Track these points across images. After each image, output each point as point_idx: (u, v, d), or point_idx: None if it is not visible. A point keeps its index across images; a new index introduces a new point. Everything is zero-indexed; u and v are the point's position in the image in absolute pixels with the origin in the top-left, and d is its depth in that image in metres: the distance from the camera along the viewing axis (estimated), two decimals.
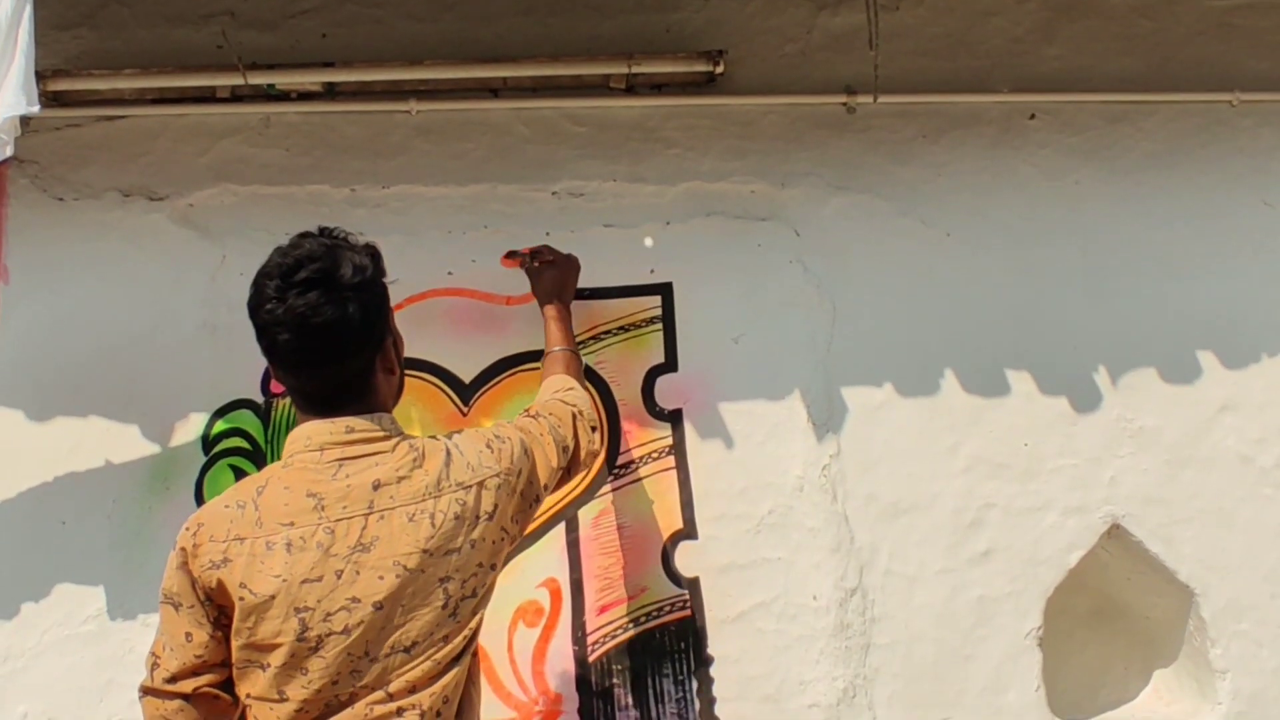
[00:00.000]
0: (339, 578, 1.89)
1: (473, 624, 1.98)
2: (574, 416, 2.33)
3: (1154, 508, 2.91)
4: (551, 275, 2.68)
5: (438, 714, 1.92)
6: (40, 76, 2.71)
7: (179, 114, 2.89)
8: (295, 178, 2.90)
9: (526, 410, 2.31)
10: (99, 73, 2.80)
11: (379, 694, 1.89)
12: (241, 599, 1.89)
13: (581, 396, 2.42)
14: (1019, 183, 3.01)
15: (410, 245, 2.86)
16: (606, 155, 2.93)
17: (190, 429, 2.79)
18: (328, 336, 1.94)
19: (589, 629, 2.77)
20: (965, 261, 2.96)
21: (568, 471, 2.30)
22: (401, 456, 1.98)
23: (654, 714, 2.76)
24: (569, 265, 2.73)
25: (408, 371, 2.77)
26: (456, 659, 1.95)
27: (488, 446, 2.08)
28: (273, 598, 1.88)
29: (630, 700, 2.76)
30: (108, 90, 2.83)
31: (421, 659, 1.91)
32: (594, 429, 2.38)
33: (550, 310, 2.65)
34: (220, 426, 2.78)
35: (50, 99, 2.78)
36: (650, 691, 2.76)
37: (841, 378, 2.89)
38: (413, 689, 1.90)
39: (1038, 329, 2.95)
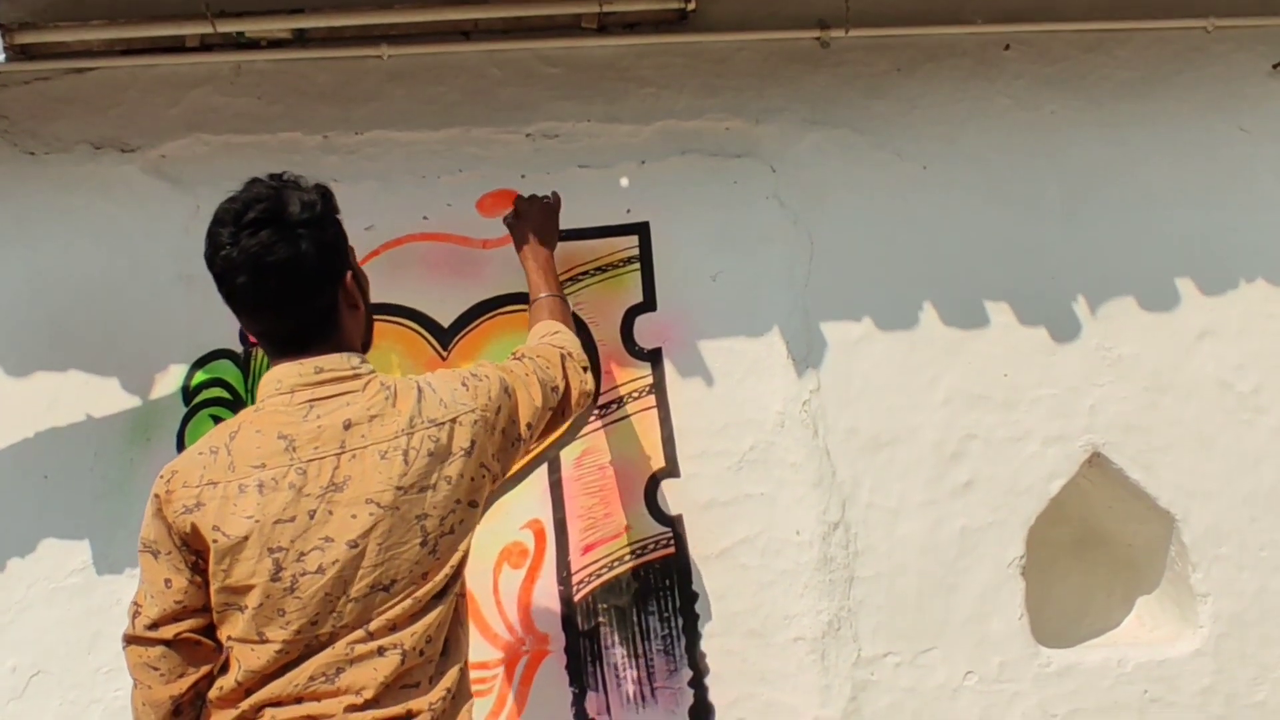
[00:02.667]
0: (312, 518, 1.90)
1: (454, 560, 1.98)
2: (563, 358, 2.32)
3: (1134, 435, 2.92)
4: (531, 224, 2.66)
5: (420, 653, 1.92)
6: (6, 30, 2.70)
7: (148, 64, 2.86)
8: (267, 126, 2.88)
9: (514, 353, 2.30)
10: (66, 24, 2.77)
11: (359, 632, 1.89)
12: (215, 541, 1.89)
13: (570, 339, 2.41)
14: (994, 114, 3.00)
15: (385, 191, 2.86)
16: (580, 96, 2.91)
17: (170, 380, 2.78)
18: (283, 274, 1.94)
19: (574, 568, 2.78)
20: (942, 194, 2.96)
21: (559, 413, 2.29)
22: (373, 395, 1.98)
23: (640, 651, 2.77)
24: (548, 211, 2.71)
25: (387, 318, 2.80)
26: (438, 596, 1.95)
27: (463, 385, 2.08)
28: (245, 539, 1.88)
29: (616, 638, 2.78)
30: (75, 42, 2.80)
31: (402, 596, 1.91)
32: (585, 369, 2.36)
33: (530, 258, 2.62)
34: (200, 377, 2.78)
35: (17, 52, 2.76)
36: (636, 629, 2.78)
37: (820, 313, 2.89)
38: (393, 627, 1.90)
39: (1015, 260, 2.95)
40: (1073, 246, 2.97)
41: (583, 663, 2.77)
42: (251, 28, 2.80)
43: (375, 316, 2.70)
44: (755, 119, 2.95)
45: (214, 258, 1.96)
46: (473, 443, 2.01)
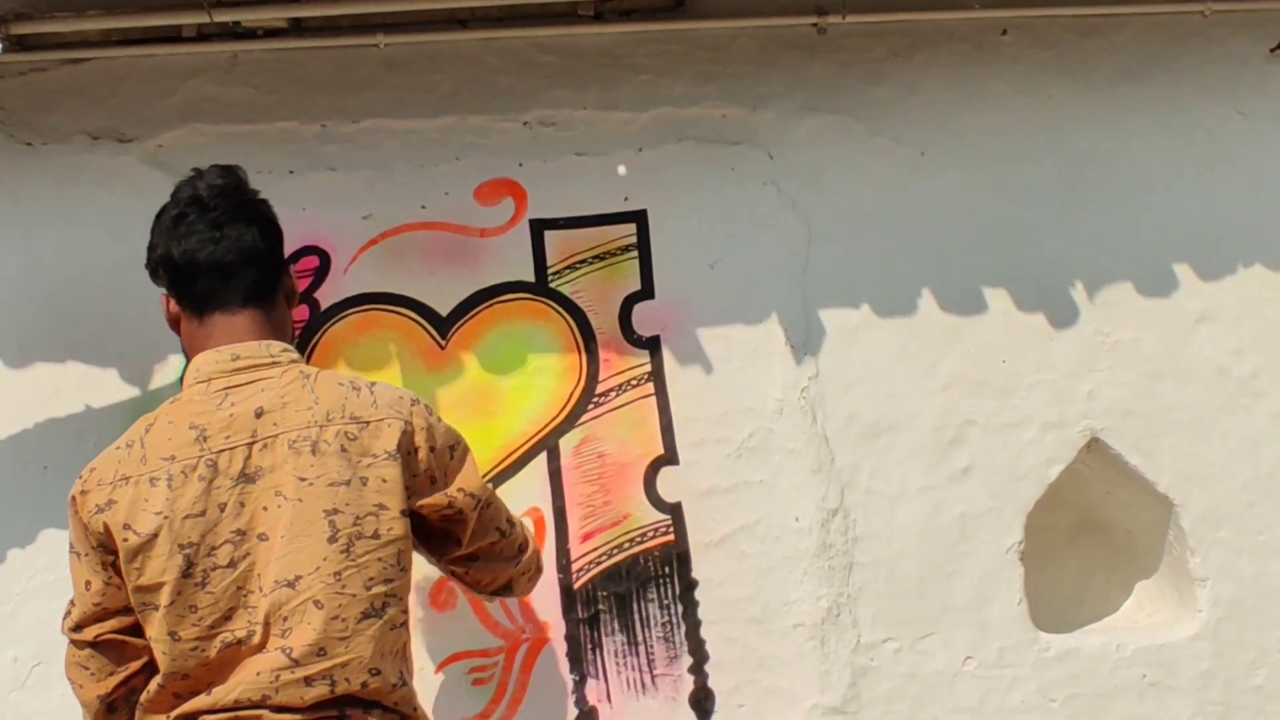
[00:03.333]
0: (222, 510, 1.85)
1: (387, 576, 1.89)
2: (526, 536, 2.24)
3: (1132, 420, 2.92)
4: None
5: (348, 680, 1.84)
6: (2, 20, 2.69)
7: (145, 54, 2.85)
8: (264, 115, 2.87)
9: None
10: (62, 15, 2.76)
11: (282, 659, 1.82)
12: (125, 540, 1.85)
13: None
14: (992, 99, 3.00)
15: (382, 180, 2.85)
16: (577, 83, 2.91)
17: (169, 370, 2.78)
18: (242, 230, 2.01)
19: (573, 557, 2.78)
20: (940, 180, 2.95)
21: (502, 548, 2.16)
22: (288, 382, 1.93)
23: (640, 639, 2.78)
24: None
25: (385, 307, 2.83)
26: (369, 616, 1.86)
27: (410, 401, 2.01)
28: (155, 536, 1.84)
29: (616, 626, 2.78)
30: (71, 33, 2.79)
31: (309, 600, 1.83)
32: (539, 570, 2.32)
33: None
34: None
35: (13, 43, 2.75)
36: (636, 617, 2.79)
37: (818, 299, 2.88)
38: (318, 651, 1.83)
39: (1013, 245, 2.95)
40: (1071, 232, 2.96)
41: (583, 650, 2.77)
42: (248, 17, 2.79)
43: (374, 306, 2.75)
44: (752, 106, 2.94)
45: (164, 221, 2.05)
46: (399, 447, 1.93)
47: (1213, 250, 2.99)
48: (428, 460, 1.99)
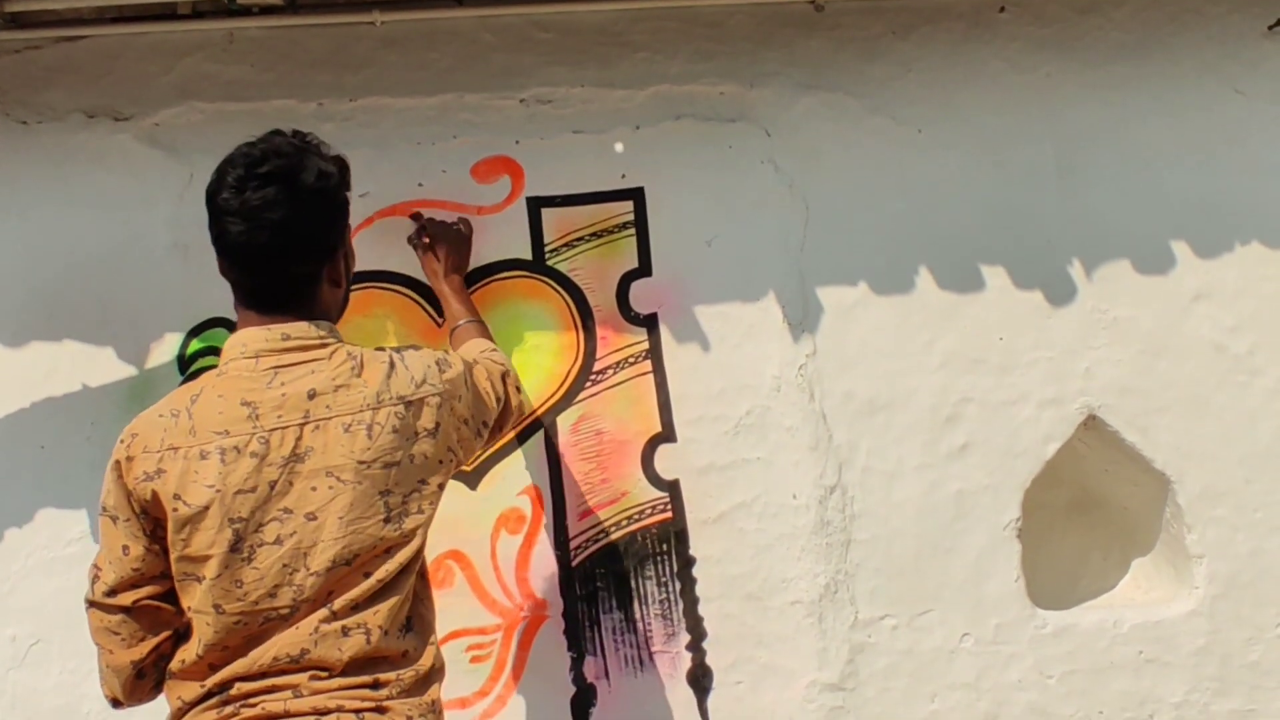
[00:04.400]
0: (272, 488, 1.89)
1: (416, 543, 1.97)
2: (503, 375, 2.31)
3: (1129, 398, 2.93)
4: (442, 249, 2.66)
5: (385, 631, 1.90)
6: None
7: (140, 32, 2.84)
8: (261, 93, 2.86)
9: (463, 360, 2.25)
10: None
11: (323, 611, 1.88)
12: (175, 510, 1.88)
13: (504, 358, 2.40)
14: (990, 77, 2.99)
15: (379, 158, 2.84)
16: (574, 61, 2.90)
17: (166, 349, 2.78)
18: (277, 234, 1.95)
19: (571, 534, 2.79)
20: (937, 157, 2.94)
21: (497, 426, 2.29)
22: (339, 365, 1.96)
23: (638, 616, 2.79)
24: (459, 237, 2.71)
25: (383, 285, 2.81)
26: (402, 574, 1.94)
27: (436, 365, 2.07)
28: (206, 509, 1.87)
29: (614, 603, 2.79)
30: (66, 10, 2.78)
31: (363, 572, 1.90)
32: (519, 389, 2.39)
33: (446, 287, 2.63)
34: (196, 345, 2.78)
35: (8, 21, 2.74)
36: (634, 594, 2.79)
37: (816, 277, 2.89)
38: (355, 606, 1.89)
39: (1010, 223, 2.94)
40: (1068, 209, 2.96)
41: (581, 627, 2.78)
42: None
43: (371, 284, 2.74)
44: (750, 83, 2.93)
45: (215, 196, 1.97)
46: (438, 424, 2.00)
47: (1210, 228, 2.98)
48: (459, 411, 2.08)
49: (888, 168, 2.94)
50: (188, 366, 2.77)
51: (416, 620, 1.99)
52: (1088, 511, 3.11)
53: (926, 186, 2.94)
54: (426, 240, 2.68)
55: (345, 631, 1.88)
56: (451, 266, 2.66)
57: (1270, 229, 3.00)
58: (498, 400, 2.26)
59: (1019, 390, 2.90)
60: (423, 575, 2.05)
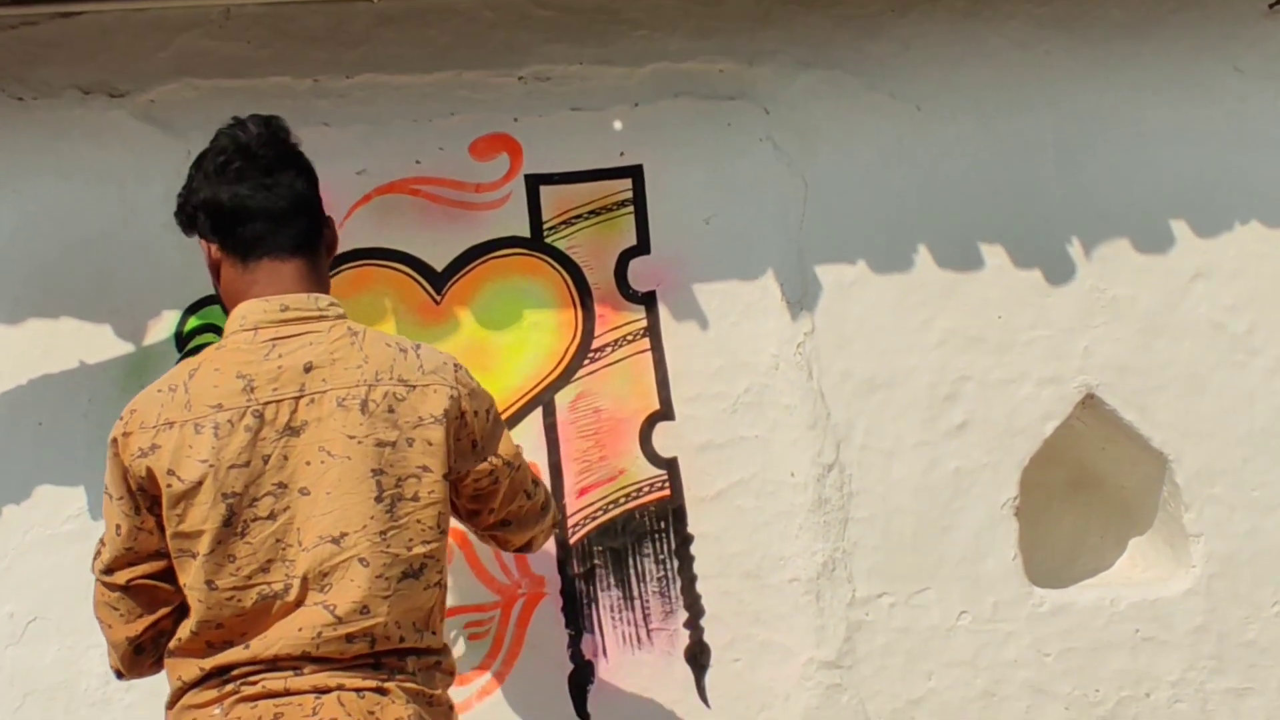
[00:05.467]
0: (266, 462, 1.86)
1: (427, 539, 1.91)
2: (535, 480, 2.25)
3: (1128, 376, 2.93)
4: None
5: (388, 638, 1.86)
6: None
7: (136, 8, 2.82)
8: (257, 70, 2.84)
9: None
10: None
11: (325, 615, 1.84)
12: (169, 486, 1.86)
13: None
14: (989, 54, 2.98)
15: (377, 135, 2.83)
16: (572, 38, 2.88)
17: (163, 326, 2.77)
18: (293, 177, 2.01)
19: (569, 511, 2.79)
20: (936, 135, 2.94)
21: (514, 493, 2.15)
22: (337, 338, 1.94)
23: (636, 593, 2.79)
24: None
25: (380, 263, 2.82)
26: (411, 576, 1.89)
27: (454, 366, 2.02)
28: (199, 484, 1.85)
29: (612, 580, 2.79)
30: None
31: (354, 558, 1.85)
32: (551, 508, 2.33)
33: None
34: (193, 323, 2.77)
35: None
36: (632, 571, 2.79)
37: (814, 255, 2.88)
38: (364, 609, 1.84)
39: (1010, 201, 2.94)
40: (1067, 188, 2.96)
41: (578, 605, 2.78)
42: None
43: (368, 261, 2.74)
44: (749, 61, 2.92)
45: (221, 162, 2.00)
46: (445, 413, 1.95)
47: (1209, 206, 2.98)
48: (472, 425, 2.01)
49: (887, 145, 2.93)
50: (185, 343, 2.76)
51: (422, 622, 1.93)
52: (1086, 490, 3.11)
53: (926, 164, 2.94)
54: None
55: (350, 639, 1.84)
56: None
57: (1270, 208, 3.01)
58: (534, 484, 2.20)
59: (1017, 369, 2.90)
60: (442, 586, 1.98)
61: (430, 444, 1.93)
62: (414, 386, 1.94)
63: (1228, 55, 3.04)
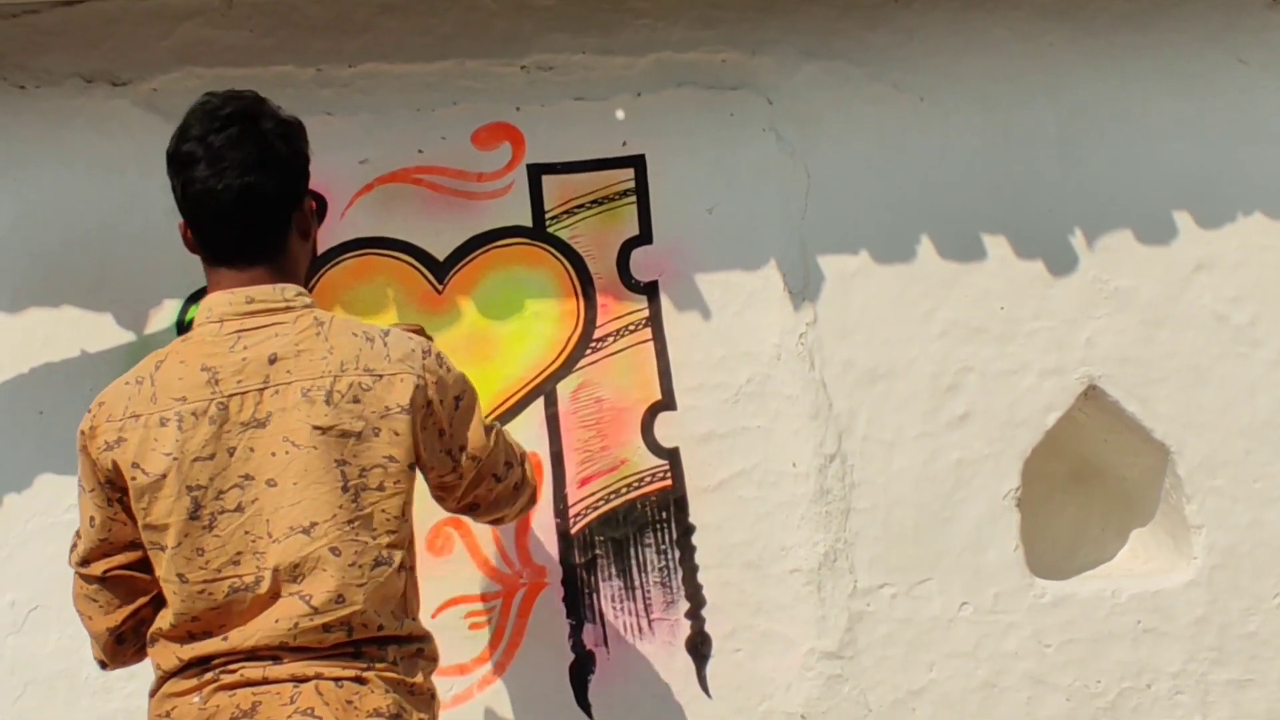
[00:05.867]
0: (231, 455, 1.85)
1: (391, 528, 1.90)
2: (523, 454, 2.24)
3: (1130, 368, 2.93)
4: None
5: (365, 626, 1.86)
6: None
7: None
8: (260, 59, 2.84)
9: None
10: None
11: (301, 606, 1.83)
12: (134, 479, 1.86)
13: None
14: (992, 45, 2.98)
15: (379, 124, 2.83)
16: (575, 27, 2.88)
17: (164, 315, 2.77)
18: (244, 173, 1.91)
19: (570, 501, 2.79)
20: (939, 126, 2.94)
21: (483, 475, 2.11)
22: (302, 329, 1.91)
23: (637, 583, 2.79)
24: None
25: (382, 252, 2.80)
26: (383, 563, 1.88)
27: (422, 352, 1.98)
28: (164, 476, 1.84)
29: (614, 570, 2.79)
30: None
31: (326, 548, 1.84)
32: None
33: None
34: (194, 311, 2.71)
35: None
36: (633, 561, 2.80)
37: (817, 245, 2.88)
38: (339, 599, 1.84)
39: (1012, 192, 2.94)
40: (1070, 179, 2.96)
41: (580, 595, 2.78)
42: None
43: (370, 250, 2.73)
44: (752, 51, 2.92)
45: (178, 151, 1.94)
46: (411, 403, 1.92)
47: (1212, 198, 2.99)
48: (439, 413, 1.98)
49: (889, 136, 2.93)
50: (186, 332, 2.75)
51: (398, 608, 1.93)
52: (1087, 481, 3.12)
53: (928, 155, 2.94)
54: None
55: (327, 629, 1.84)
56: None
57: (1272, 199, 3.01)
58: (482, 437, 2.10)
59: (1019, 360, 2.90)
60: (410, 574, 1.98)
61: (397, 434, 1.90)
62: (380, 376, 1.90)
63: (1231, 47, 3.04)
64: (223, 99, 1.97)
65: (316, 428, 1.86)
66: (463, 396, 2.04)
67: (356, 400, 1.88)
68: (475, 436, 2.06)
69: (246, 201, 1.92)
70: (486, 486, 2.13)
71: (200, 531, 1.85)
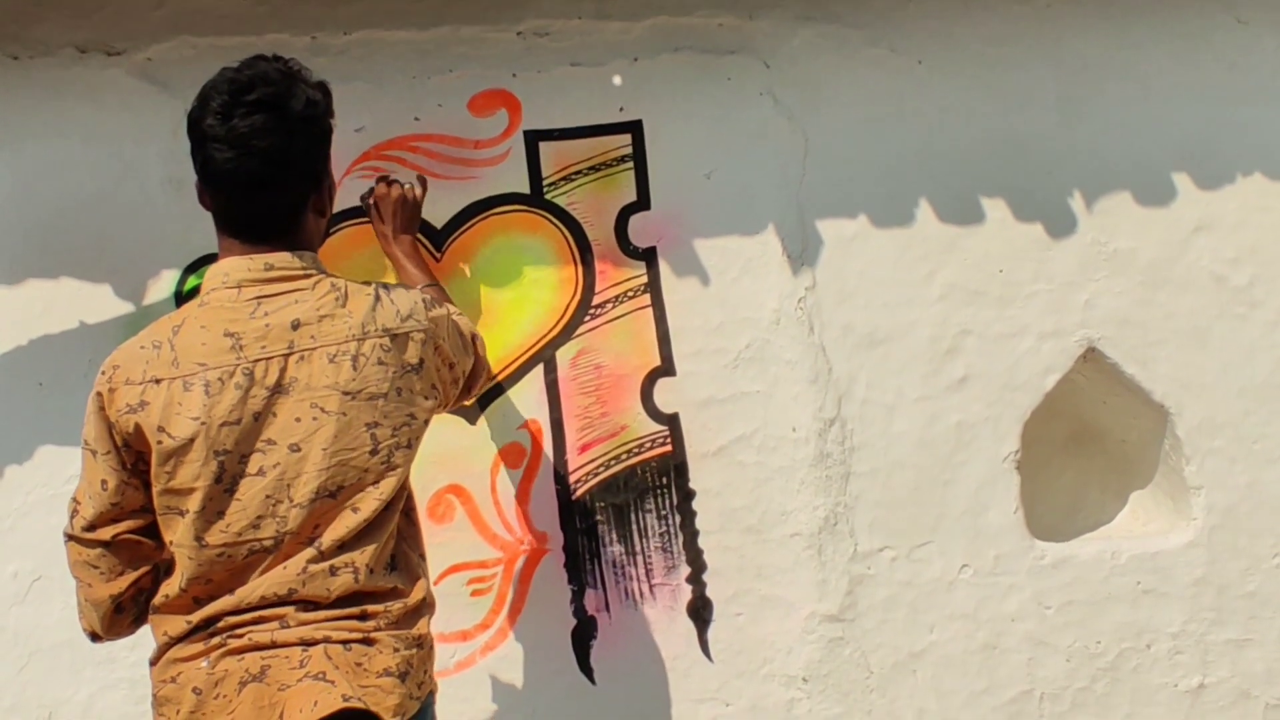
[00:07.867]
0: (256, 419, 1.88)
1: (397, 478, 1.95)
2: (473, 336, 2.27)
3: (1129, 329, 2.93)
4: (388, 211, 2.56)
5: (371, 570, 1.90)
6: None
7: None
8: (254, 27, 2.82)
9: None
10: None
11: (310, 550, 1.87)
12: (160, 443, 1.87)
13: (470, 322, 2.32)
14: (990, 7, 2.95)
15: (375, 92, 2.81)
16: None
17: (162, 286, 2.76)
18: (267, 161, 1.92)
19: (571, 468, 2.79)
20: (937, 88, 2.93)
21: (469, 384, 2.26)
22: (322, 295, 1.94)
23: (638, 549, 2.80)
24: (404, 199, 2.58)
25: None
26: (386, 511, 1.93)
27: (422, 303, 2.05)
28: (191, 441, 1.86)
29: (614, 536, 2.80)
30: None
31: (348, 507, 1.89)
32: (484, 354, 2.36)
33: (397, 251, 2.54)
34: (193, 281, 2.76)
35: None
36: (634, 527, 2.80)
37: (815, 210, 2.88)
38: (342, 545, 1.88)
39: (1011, 154, 2.93)
40: (1069, 141, 2.95)
41: (581, 561, 2.79)
42: None
43: (367, 220, 2.72)
44: (749, 14, 2.90)
45: (199, 122, 1.93)
46: (422, 360, 1.99)
47: (1211, 159, 2.98)
48: (446, 351, 2.08)
49: (887, 99, 2.92)
50: (185, 302, 2.75)
51: (401, 558, 1.99)
52: (1087, 443, 3.12)
53: (926, 118, 2.92)
54: (373, 201, 2.59)
55: (333, 571, 1.88)
56: (400, 227, 2.57)
57: (1272, 160, 3.00)
58: (470, 354, 2.23)
59: (1019, 322, 2.90)
60: (408, 514, 2.05)
61: (414, 390, 1.98)
62: (396, 335, 1.97)
63: (1230, 6, 3.02)
64: (250, 79, 1.94)
65: (346, 393, 1.90)
66: (452, 324, 2.14)
67: (381, 362, 1.93)
68: (459, 354, 2.16)
69: (264, 190, 1.95)
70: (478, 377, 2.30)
71: (223, 496, 1.87)
